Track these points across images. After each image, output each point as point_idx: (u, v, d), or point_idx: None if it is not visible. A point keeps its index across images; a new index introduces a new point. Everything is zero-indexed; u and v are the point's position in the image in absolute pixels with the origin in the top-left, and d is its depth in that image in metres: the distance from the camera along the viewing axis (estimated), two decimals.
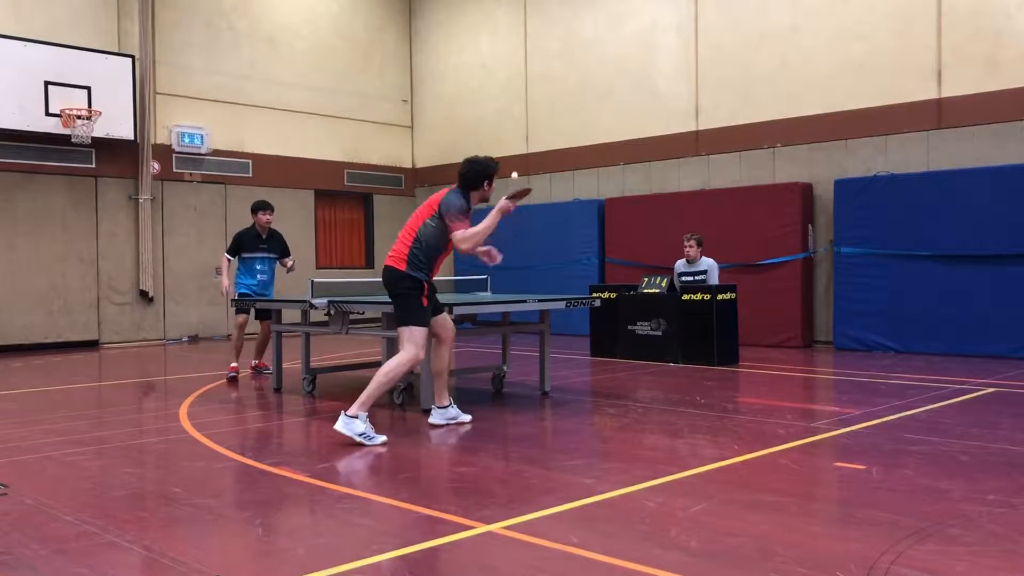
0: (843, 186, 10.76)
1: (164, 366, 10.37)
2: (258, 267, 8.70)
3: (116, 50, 12.80)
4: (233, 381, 8.43)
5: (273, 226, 8.90)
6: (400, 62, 16.68)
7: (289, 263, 8.91)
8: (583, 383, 8.29)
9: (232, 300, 8.70)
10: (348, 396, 7.38)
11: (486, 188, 5.83)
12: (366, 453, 5.10)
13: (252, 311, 8.45)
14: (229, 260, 8.69)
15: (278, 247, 8.86)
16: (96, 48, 12.52)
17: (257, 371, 8.98)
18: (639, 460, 4.84)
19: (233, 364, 8.63)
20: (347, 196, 16.15)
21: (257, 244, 8.71)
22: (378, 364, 7.77)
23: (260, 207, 8.79)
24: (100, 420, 6.64)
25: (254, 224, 8.77)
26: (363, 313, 7.07)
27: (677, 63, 12.78)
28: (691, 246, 9.81)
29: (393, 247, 5.71)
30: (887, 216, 10.33)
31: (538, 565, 3.11)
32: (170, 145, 13.50)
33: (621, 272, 12.81)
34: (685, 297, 9.55)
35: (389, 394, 7.02)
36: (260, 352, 9.02)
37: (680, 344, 9.52)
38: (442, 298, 7.07)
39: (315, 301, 6.79)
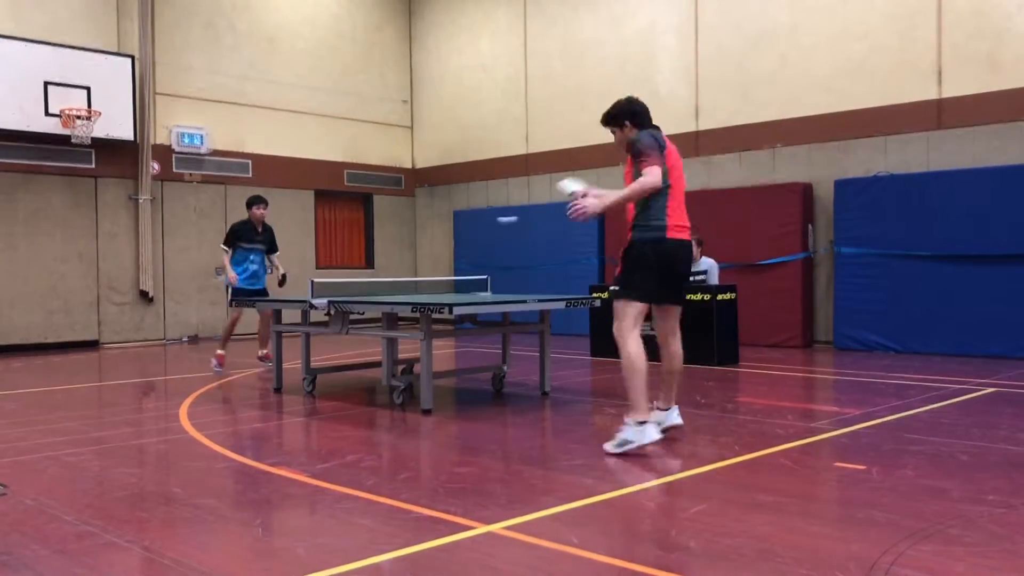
0: (843, 186, 10.76)
1: (164, 366, 10.36)
2: (252, 257, 9.21)
3: (116, 50, 12.80)
4: (219, 373, 8.81)
5: (269, 223, 9.43)
6: (400, 62, 16.68)
7: (280, 269, 9.43)
8: (583, 383, 8.29)
9: (232, 298, 9.00)
10: (348, 396, 7.39)
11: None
12: (366, 453, 5.10)
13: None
14: (227, 252, 9.12)
15: (269, 241, 9.38)
16: (96, 48, 12.52)
17: (263, 360, 9.27)
18: (639, 460, 4.84)
19: (220, 352, 9.09)
20: (347, 196, 16.15)
21: (253, 236, 9.23)
22: (378, 364, 7.78)
23: (256, 201, 9.27)
24: (100, 420, 6.64)
25: (249, 218, 9.26)
26: (363, 313, 7.07)
27: (677, 63, 12.78)
28: None
29: (686, 216, 5.06)
30: (887, 216, 10.32)
31: (538, 565, 3.10)
32: (170, 145, 13.50)
33: None
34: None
35: (390, 394, 7.02)
36: (264, 342, 9.25)
37: (680, 344, 9.49)
38: (442, 298, 7.07)
39: (315, 301, 6.79)
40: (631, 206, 5.01)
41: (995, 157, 9.93)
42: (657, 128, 5.08)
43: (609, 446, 4.84)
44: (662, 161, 4.83)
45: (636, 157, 4.86)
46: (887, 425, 5.69)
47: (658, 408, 5.24)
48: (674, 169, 5.00)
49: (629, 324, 4.89)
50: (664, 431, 5.10)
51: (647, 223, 4.93)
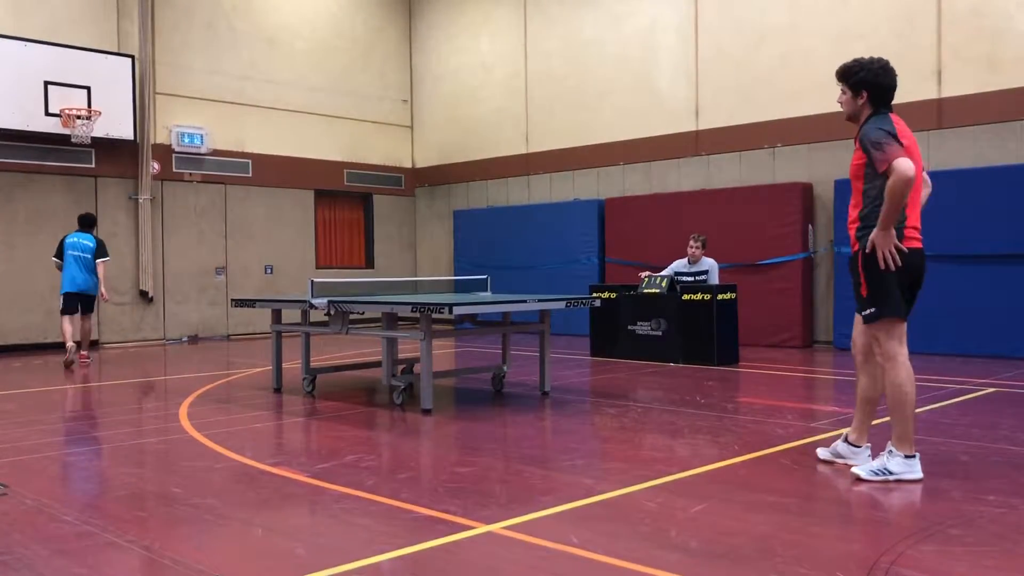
0: (843, 186, 10.75)
1: (164, 366, 10.36)
2: None
3: (116, 50, 12.79)
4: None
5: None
6: (400, 62, 16.68)
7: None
8: (583, 383, 8.29)
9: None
10: (348, 396, 7.39)
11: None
12: (366, 453, 5.10)
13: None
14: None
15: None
16: (96, 48, 12.51)
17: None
18: (639, 460, 4.84)
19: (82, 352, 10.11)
20: (347, 196, 16.15)
21: None
22: (378, 364, 7.77)
23: None
24: (100, 420, 6.65)
25: None
26: (363, 313, 7.07)
27: (677, 63, 12.78)
28: (697, 247, 9.80)
29: (919, 217, 4.23)
30: None
31: (538, 565, 3.10)
32: (170, 145, 13.50)
33: (621, 272, 12.81)
34: (685, 297, 9.55)
35: (390, 394, 7.02)
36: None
37: (680, 344, 9.52)
38: (442, 298, 7.06)
39: (315, 301, 6.79)
40: (856, 202, 4.31)
41: (995, 157, 9.93)
42: (889, 112, 4.29)
43: (863, 471, 4.19)
44: (902, 147, 3.99)
45: (870, 152, 4.10)
46: (887, 425, 5.68)
47: (849, 442, 4.52)
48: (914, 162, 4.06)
49: (894, 346, 4.13)
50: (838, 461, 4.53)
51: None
